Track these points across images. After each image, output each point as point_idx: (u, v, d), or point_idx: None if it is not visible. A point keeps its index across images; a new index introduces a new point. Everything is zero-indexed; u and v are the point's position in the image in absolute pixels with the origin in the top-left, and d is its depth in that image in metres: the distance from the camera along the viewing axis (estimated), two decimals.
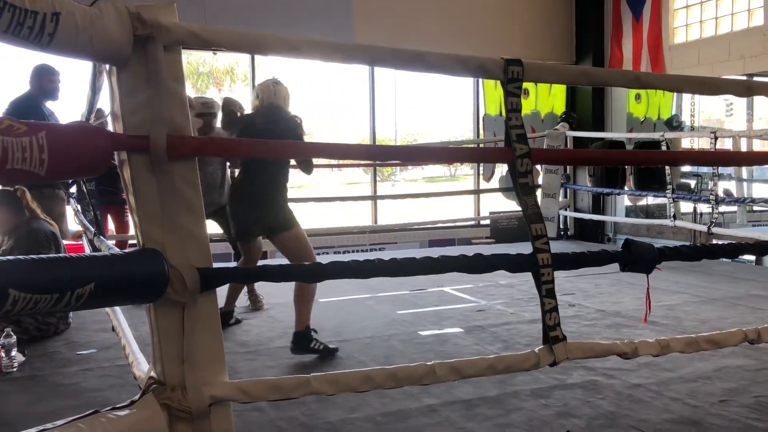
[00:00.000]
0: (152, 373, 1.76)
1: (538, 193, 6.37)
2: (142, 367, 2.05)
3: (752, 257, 7.56)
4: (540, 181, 7.84)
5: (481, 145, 9.32)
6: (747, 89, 2.62)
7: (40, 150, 1.43)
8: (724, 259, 7.40)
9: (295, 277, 1.82)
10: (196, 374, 1.73)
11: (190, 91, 21.63)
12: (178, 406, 1.68)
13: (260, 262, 4.61)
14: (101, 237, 3.20)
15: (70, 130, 1.61)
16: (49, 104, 4.94)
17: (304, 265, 1.85)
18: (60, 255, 1.47)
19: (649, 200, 10.08)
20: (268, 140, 2.39)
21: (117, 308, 2.90)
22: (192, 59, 21.63)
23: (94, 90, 2.47)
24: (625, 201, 9.79)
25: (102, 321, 4.18)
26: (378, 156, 3.21)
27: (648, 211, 10.14)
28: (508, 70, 2.11)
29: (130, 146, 1.67)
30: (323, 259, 2.93)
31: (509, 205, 9.82)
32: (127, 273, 1.56)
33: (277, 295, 5.45)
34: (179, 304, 1.70)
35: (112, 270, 1.53)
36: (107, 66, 1.73)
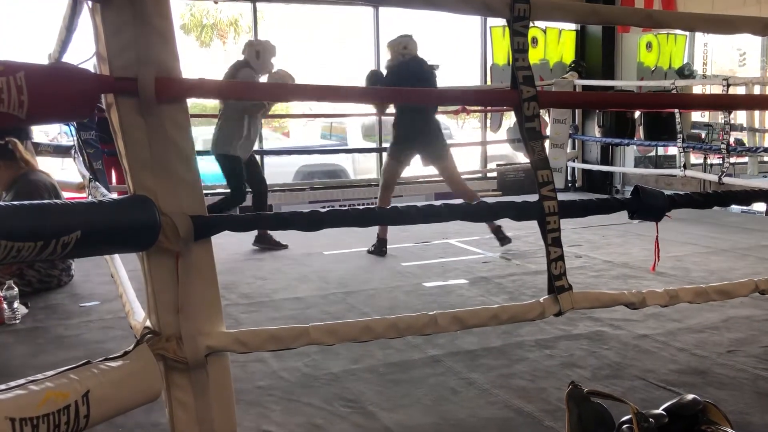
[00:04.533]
0: (147, 323, 1.72)
1: (546, 143, 6.25)
2: (139, 317, 2.01)
3: (763, 208, 7.46)
4: (548, 131, 7.71)
5: None
6: (765, 27, 2.49)
7: (19, 91, 1.35)
8: (734, 209, 7.31)
9: (292, 224, 1.76)
10: (192, 324, 1.69)
11: (196, 44, 21.37)
12: (173, 356, 1.65)
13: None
14: (97, 183, 3.14)
15: (52, 71, 1.53)
16: None
17: (301, 212, 1.78)
18: (43, 201, 1.41)
19: (659, 151, 9.94)
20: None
21: (116, 257, 2.86)
22: (195, 11, 21.28)
23: (69, 29, 2.36)
24: (635, 151, 9.65)
25: (106, 273, 4.16)
26: (372, 98, 3.11)
27: (657, 163, 10.00)
28: (515, 7, 1.99)
29: (116, 89, 1.59)
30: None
31: (517, 158, 9.71)
32: (116, 220, 1.50)
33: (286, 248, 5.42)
34: (173, 253, 1.65)
35: (99, 217, 1.47)
36: (89, 3, 1.64)
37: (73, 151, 5.08)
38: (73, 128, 4.64)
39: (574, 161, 8.99)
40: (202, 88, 1.79)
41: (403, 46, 5.05)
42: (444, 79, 5.60)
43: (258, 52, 5.30)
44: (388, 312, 3.62)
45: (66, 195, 5.03)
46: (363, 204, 8.55)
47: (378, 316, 2.08)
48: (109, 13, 1.59)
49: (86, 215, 1.45)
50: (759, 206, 7.61)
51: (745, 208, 7.65)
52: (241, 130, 5.20)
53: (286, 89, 2.00)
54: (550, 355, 2.98)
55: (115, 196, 1.72)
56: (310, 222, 1.76)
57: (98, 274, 4.44)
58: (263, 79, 5.27)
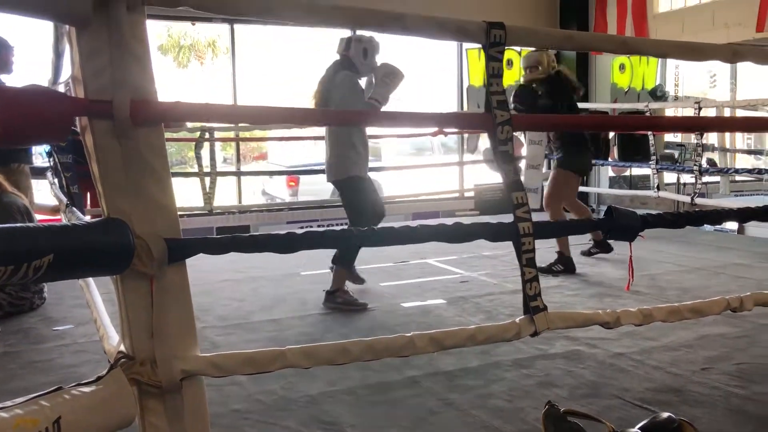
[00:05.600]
0: (121, 347, 1.70)
1: (523, 164, 6.31)
2: (113, 341, 1.99)
3: (735, 227, 7.59)
4: (524, 152, 7.78)
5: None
6: (733, 54, 2.56)
7: None
8: (708, 229, 7.43)
9: (267, 246, 1.76)
10: (166, 348, 1.67)
11: (173, 64, 21.31)
12: (147, 380, 1.63)
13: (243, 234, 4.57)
14: (73, 208, 3.11)
15: (26, 93, 1.52)
16: (4, 77, 4.79)
17: (277, 234, 1.78)
18: (15, 225, 1.39)
19: (633, 171, 10.08)
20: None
21: (90, 279, 2.83)
22: (173, 32, 21.26)
23: (58, 54, 2.37)
24: (609, 172, 9.77)
25: (80, 295, 4.11)
26: (355, 121, 3.13)
27: (632, 182, 10.14)
28: (490, 33, 2.03)
29: (91, 111, 1.59)
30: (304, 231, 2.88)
31: (493, 177, 9.78)
32: (89, 244, 1.49)
33: (260, 268, 5.40)
34: (147, 276, 1.64)
35: (72, 240, 1.46)
36: (67, 28, 1.64)
37: (49, 174, 5.04)
38: (50, 150, 4.62)
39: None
40: (177, 111, 1.79)
41: (553, 59, 5.22)
42: (423, 102, 5.69)
43: (366, 50, 4.42)
44: (366, 333, 3.61)
45: (40, 218, 4.98)
46: (342, 224, 8.54)
47: (356, 337, 2.08)
48: (84, 36, 1.59)
49: (58, 238, 1.44)
50: (731, 225, 7.75)
51: (718, 226, 7.78)
52: (356, 147, 4.42)
53: (293, 114, 2.00)
54: (528, 375, 2.99)
55: (89, 219, 1.72)
56: (286, 244, 1.76)
57: (72, 296, 4.38)
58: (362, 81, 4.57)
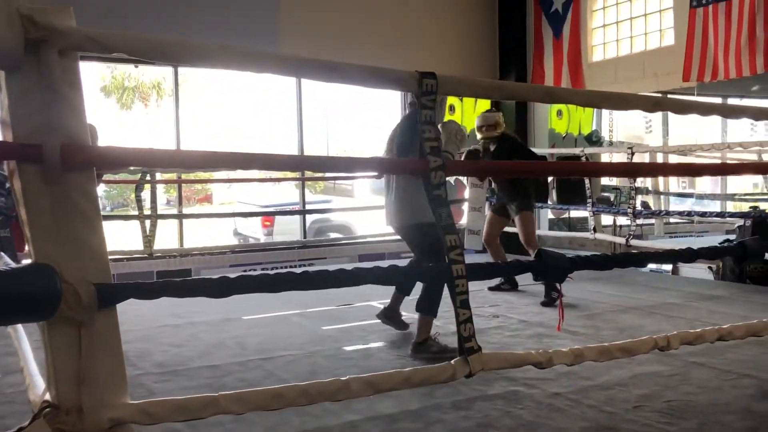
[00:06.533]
0: (47, 396, 1.66)
1: (465, 206, 6.45)
2: (39, 390, 1.93)
3: (669, 267, 7.86)
4: (466, 195, 7.93)
5: None
6: (655, 105, 2.71)
7: None
8: (643, 270, 7.67)
9: (200, 291, 1.76)
10: (95, 396, 1.64)
11: (116, 106, 21.02)
12: (72, 430, 1.59)
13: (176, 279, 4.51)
14: (1, 253, 3.03)
15: None
16: None
17: (210, 279, 1.78)
18: None
19: (572, 214, 10.37)
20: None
21: (19, 327, 2.75)
22: (117, 74, 21.04)
23: None
24: (549, 214, 10.03)
25: (8, 343, 3.95)
26: (291, 166, 3.17)
27: (570, 224, 10.42)
28: (423, 82, 2.11)
29: (20, 155, 1.58)
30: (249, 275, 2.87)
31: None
32: (14, 290, 1.46)
33: (200, 313, 5.31)
34: (75, 322, 1.61)
35: None
36: None
37: None
38: None
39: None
40: (110, 156, 1.79)
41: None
42: (370, 146, 5.84)
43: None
44: (307, 378, 3.57)
45: None
46: (285, 267, 8.48)
47: (297, 382, 2.07)
48: (14, 79, 1.59)
49: None
50: (666, 266, 8.02)
51: (653, 267, 8.04)
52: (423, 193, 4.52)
53: (231, 158, 2.02)
54: (466, 417, 3.01)
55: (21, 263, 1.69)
56: (219, 289, 1.75)
57: (0, 344, 4.22)
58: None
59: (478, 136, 6.16)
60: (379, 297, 5.82)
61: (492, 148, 5.94)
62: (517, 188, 5.91)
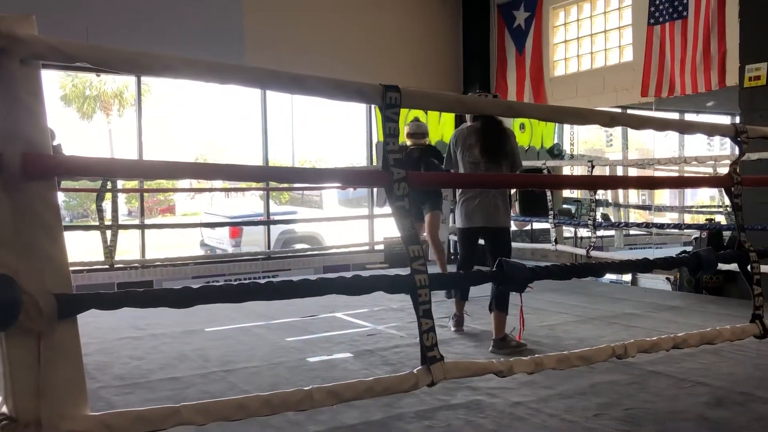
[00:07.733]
0: (3, 409, 1.63)
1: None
2: None
3: (629, 278, 8.03)
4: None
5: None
6: (611, 120, 2.79)
7: None
8: (604, 281, 7.82)
9: (162, 301, 1.75)
10: (53, 408, 1.62)
11: (76, 115, 20.66)
12: None
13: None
14: None
15: None
16: None
17: (173, 289, 1.78)
18: None
19: (534, 225, 10.52)
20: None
21: None
22: (78, 82, 20.70)
23: None
24: (512, 226, 10.15)
25: None
26: (255, 177, 3.18)
27: (533, 236, 10.57)
28: (386, 95, 2.14)
29: None
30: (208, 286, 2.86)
31: None
32: None
33: (162, 325, 5.25)
34: (34, 333, 1.59)
35: None
36: None
37: None
38: None
39: (455, 235, 9.34)
40: (71, 165, 1.78)
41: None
42: (335, 157, 5.92)
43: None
44: (270, 389, 3.54)
45: None
46: (249, 278, 8.43)
47: (259, 393, 2.06)
48: None
49: None
50: (626, 277, 8.19)
51: (614, 278, 8.21)
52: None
53: (193, 168, 2.02)
54: (429, 426, 3.03)
55: None
56: (182, 299, 1.75)
57: None
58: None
59: (408, 142, 6.40)
60: (345, 308, 5.84)
61: (416, 155, 6.26)
62: (432, 189, 6.20)
